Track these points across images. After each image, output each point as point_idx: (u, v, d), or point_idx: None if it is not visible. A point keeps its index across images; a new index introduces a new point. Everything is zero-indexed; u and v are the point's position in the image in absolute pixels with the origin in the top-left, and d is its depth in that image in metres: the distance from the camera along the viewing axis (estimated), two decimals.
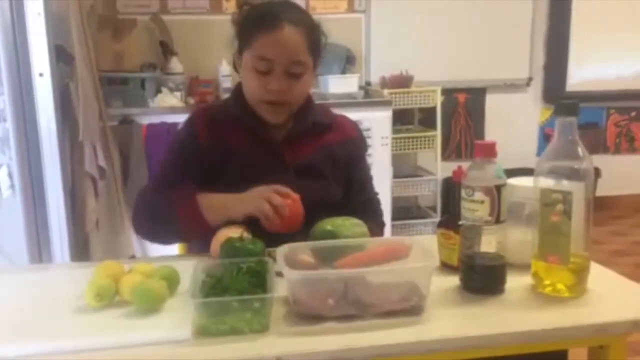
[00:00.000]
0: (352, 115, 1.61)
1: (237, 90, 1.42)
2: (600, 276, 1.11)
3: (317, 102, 1.52)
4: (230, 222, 1.26)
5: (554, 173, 1.03)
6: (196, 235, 1.32)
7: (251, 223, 1.24)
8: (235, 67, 1.44)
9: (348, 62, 3.79)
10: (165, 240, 1.42)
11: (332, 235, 1.19)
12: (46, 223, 2.40)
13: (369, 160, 1.63)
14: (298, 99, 1.39)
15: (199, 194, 1.30)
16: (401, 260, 1.08)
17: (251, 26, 1.33)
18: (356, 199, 1.48)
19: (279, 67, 1.31)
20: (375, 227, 1.45)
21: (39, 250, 2.40)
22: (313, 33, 1.36)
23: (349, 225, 1.23)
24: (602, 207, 4.08)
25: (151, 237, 1.43)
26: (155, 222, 1.35)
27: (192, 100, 3.40)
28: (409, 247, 1.10)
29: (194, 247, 1.51)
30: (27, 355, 0.87)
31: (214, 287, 0.97)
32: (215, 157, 1.37)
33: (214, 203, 1.29)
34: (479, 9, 4.00)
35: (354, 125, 1.55)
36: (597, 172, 3.96)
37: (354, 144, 1.51)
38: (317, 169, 1.42)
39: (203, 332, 0.91)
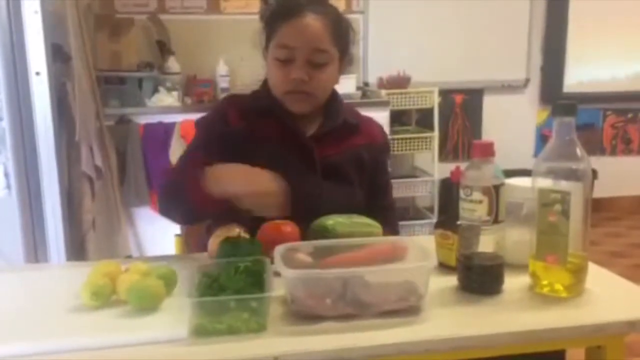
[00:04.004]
0: None
1: (266, 84, 1.40)
2: (598, 276, 1.11)
3: None
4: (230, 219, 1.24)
5: (552, 173, 1.02)
6: (204, 210, 1.25)
7: (249, 222, 1.23)
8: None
9: None
10: (185, 219, 1.38)
11: (325, 230, 1.19)
12: (42, 223, 2.40)
13: None
14: (321, 91, 1.37)
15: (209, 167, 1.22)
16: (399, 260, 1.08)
17: (275, 18, 1.32)
18: (374, 203, 1.44)
19: (300, 55, 1.30)
20: (389, 234, 1.42)
21: (35, 250, 2.39)
22: (337, 24, 1.34)
23: (351, 224, 1.22)
24: (599, 208, 4.09)
25: (172, 217, 1.37)
26: (172, 201, 1.31)
27: (189, 100, 3.39)
28: (406, 248, 1.10)
29: (191, 247, 1.50)
30: (23, 355, 0.86)
31: (210, 287, 0.97)
32: (244, 144, 1.33)
33: (216, 173, 1.21)
34: (477, 10, 4.00)
35: (380, 128, 1.53)
36: (594, 174, 3.96)
37: (379, 148, 1.48)
38: (344, 172, 1.39)
39: (200, 332, 0.90)
